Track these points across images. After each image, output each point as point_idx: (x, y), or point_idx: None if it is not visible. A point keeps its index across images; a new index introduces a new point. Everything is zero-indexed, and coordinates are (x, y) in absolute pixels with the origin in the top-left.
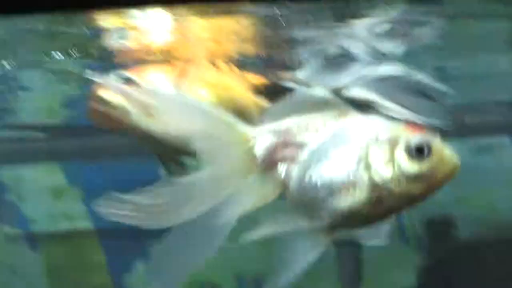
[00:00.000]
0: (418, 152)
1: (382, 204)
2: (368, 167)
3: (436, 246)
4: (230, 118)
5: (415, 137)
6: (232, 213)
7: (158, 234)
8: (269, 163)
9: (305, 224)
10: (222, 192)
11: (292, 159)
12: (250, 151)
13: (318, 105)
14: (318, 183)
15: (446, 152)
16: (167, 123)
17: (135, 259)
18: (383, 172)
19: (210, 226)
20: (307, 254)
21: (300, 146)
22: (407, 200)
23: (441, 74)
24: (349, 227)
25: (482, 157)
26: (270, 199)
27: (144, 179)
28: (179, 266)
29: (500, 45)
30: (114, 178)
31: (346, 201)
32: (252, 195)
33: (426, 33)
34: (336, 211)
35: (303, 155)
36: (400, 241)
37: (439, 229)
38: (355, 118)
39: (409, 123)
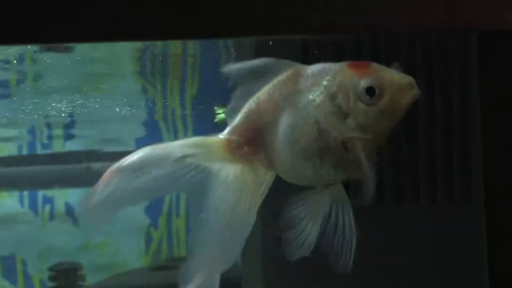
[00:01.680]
0: (370, 94)
1: (356, 150)
2: (331, 126)
3: None
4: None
5: (361, 81)
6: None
7: None
8: (246, 154)
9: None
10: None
11: (265, 143)
12: (224, 150)
13: (268, 71)
14: (296, 161)
15: (396, 78)
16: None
17: None
18: (346, 127)
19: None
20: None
21: (268, 127)
22: (383, 135)
23: None
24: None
25: None
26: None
27: None
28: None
29: None
30: None
31: (327, 163)
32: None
33: None
34: (322, 176)
35: (274, 136)
36: None
37: (66, 275)
38: (302, 74)
39: (350, 63)
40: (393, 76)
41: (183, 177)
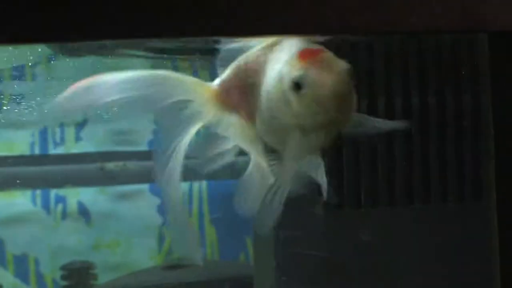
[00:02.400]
0: (298, 87)
1: (294, 138)
2: (280, 107)
3: None
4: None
5: (294, 73)
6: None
7: None
8: (232, 106)
9: None
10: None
11: (248, 101)
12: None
13: None
14: (270, 126)
15: (323, 77)
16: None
17: None
18: (288, 112)
19: None
20: None
21: (252, 86)
22: (322, 123)
23: None
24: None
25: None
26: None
27: None
28: None
29: None
30: None
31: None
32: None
33: None
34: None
35: (256, 97)
36: None
37: (78, 274)
38: (281, 44)
39: (302, 51)
40: (322, 74)
41: (168, 106)
